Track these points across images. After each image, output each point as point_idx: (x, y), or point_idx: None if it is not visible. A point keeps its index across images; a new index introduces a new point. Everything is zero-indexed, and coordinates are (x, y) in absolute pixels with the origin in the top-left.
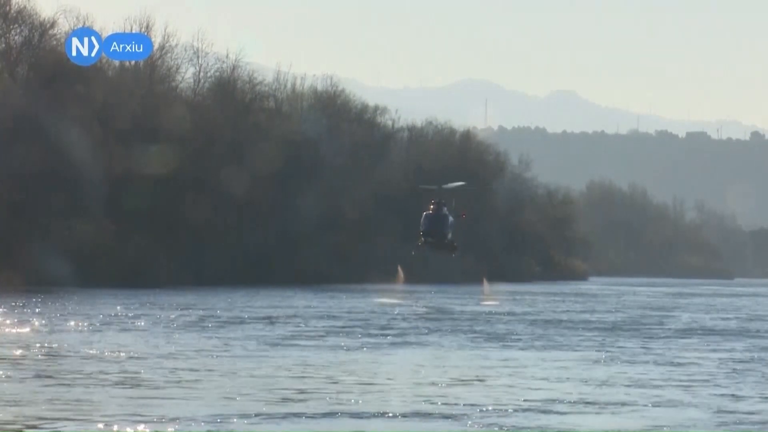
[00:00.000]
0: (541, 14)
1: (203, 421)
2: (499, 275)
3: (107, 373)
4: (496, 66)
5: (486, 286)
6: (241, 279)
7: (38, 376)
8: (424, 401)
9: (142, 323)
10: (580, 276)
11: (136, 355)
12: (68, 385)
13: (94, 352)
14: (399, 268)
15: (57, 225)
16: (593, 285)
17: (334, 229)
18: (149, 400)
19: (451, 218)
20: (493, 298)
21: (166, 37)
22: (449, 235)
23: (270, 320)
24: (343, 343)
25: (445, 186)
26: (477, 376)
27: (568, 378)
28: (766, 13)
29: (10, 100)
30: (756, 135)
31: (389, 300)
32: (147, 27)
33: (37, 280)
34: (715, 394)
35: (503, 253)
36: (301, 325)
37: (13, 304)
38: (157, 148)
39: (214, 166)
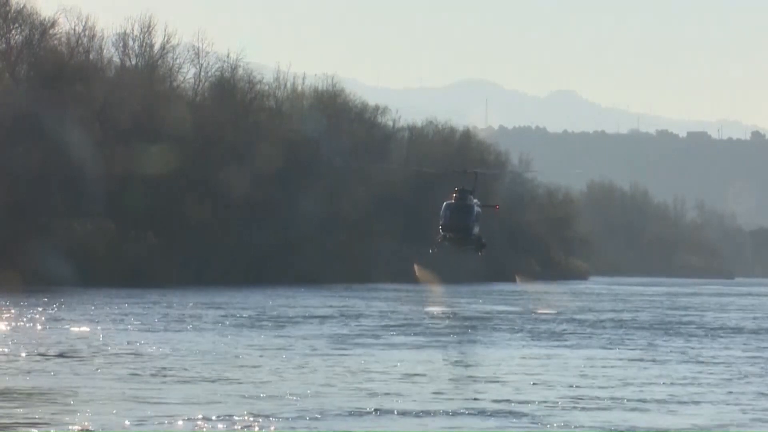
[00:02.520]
0: (541, 14)
1: (292, 418)
2: (499, 275)
3: (189, 370)
4: (496, 66)
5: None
6: (242, 278)
7: (132, 375)
8: (488, 399)
9: (198, 323)
10: (581, 276)
11: (212, 354)
12: (147, 382)
13: (169, 351)
14: (416, 267)
15: (57, 225)
16: (595, 285)
17: (334, 229)
18: (237, 398)
19: (477, 209)
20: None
21: (167, 37)
22: (475, 230)
23: (321, 319)
24: (402, 341)
25: (470, 170)
26: (532, 373)
27: (618, 376)
28: (766, 13)
29: (10, 100)
30: (757, 135)
31: (433, 308)
32: (148, 27)
33: (37, 280)
34: (757, 393)
35: (504, 252)
36: (348, 324)
37: (28, 303)
38: (157, 148)
39: (214, 166)
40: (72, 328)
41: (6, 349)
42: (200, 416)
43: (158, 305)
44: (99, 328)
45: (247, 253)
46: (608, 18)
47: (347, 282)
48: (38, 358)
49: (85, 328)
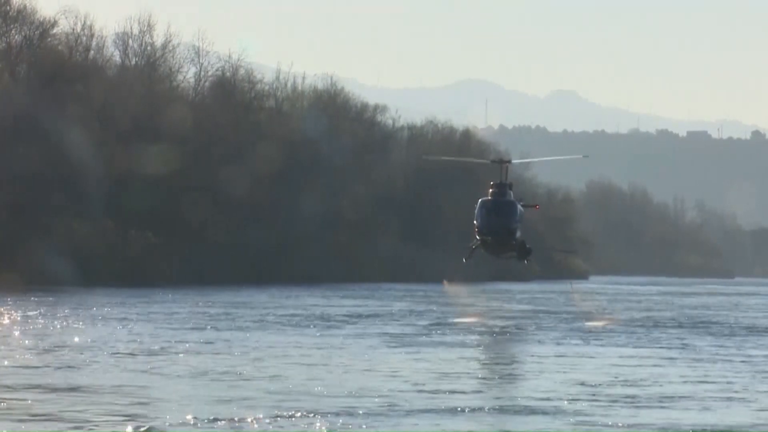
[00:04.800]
0: (542, 15)
1: (368, 415)
2: (499, 275)
3: (255, 368)
4: (496, 66)
5: (575, 291)
6: (242, 278)
7: (200, 373)
8: (534, 397)
9: (241, 322)
10: (581, 275)
11: (271, 352)
12: (219, 380)
13: (226, 349)
14: (445, 283)
15: (58, 225)
16: (596, 284)
17: (335, 228)
18: (316, 396)
19: (520, 207)
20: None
21: (167, 36)
22: (518, 233)
23: (361, 318)
24: (449, 340)
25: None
26: (573, 371)
27: (658, 375)
28: (766, 12)
29: (10, 99)
30: (757, 134)
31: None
32: (148, 26)
33: (37, 280)
34: None
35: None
36: (389, 323)
37: (40, 303)
38: (157, 148)
39: (214, 166)
40: (117, 327)
41: (58, 347)
42: (273, 414)
43: (181, 304)
44: (142, 327)
45: (247, 252)
46: (608, 18)
47: (348, 282)
48: (100, 356)
49: (125, 327)
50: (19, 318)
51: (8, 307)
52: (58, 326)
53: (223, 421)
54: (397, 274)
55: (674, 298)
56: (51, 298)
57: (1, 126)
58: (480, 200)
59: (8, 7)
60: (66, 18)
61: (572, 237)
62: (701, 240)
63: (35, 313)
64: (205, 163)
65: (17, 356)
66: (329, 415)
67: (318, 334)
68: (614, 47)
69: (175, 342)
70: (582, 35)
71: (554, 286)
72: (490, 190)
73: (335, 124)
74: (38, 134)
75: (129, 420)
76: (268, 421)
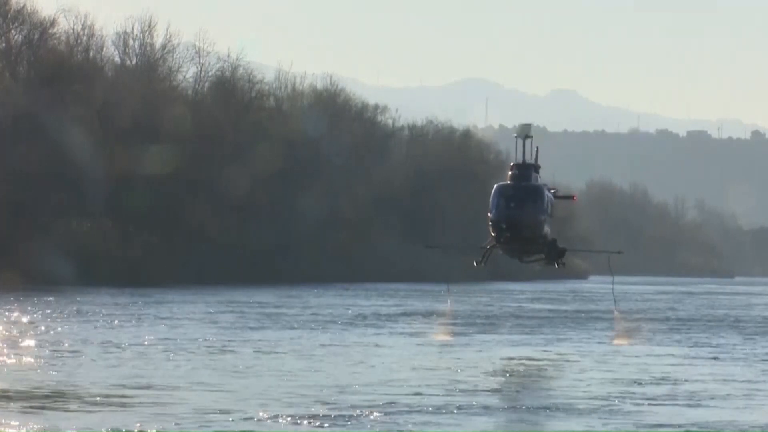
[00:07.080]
0: (542, 14)
1: (428, 412)
2: (497, 274)
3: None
4: (496, 65)
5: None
6: (242, 278)
7: (275, 371)
8: (579, 396)
9: (272, 321)
10: (581, 275)
11: (328, 349)
12: (275, 378)
13: (273, 348)
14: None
15: (58, 224)
16: (594, 284)
17: (334, 229)
18: (372, 396)
19: (548, 194)
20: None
21: (168, 36)
22: (546, 228)
23: (396, 317)
24: (483, 338)
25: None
26: (608, 371)
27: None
28: (766, 12)
29: (10, 99)
30: (757, 134)
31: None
32: (148, 26)
33: (37, 279)
34: None
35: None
36: (420, 321)
37: (50, 303)
38: (157, 148)
39: (214, 166)
40: (162, 327)
41: (115, 346)
42: (333, 414)
43: (198, 305)
44: (189, 326)
45: (247, 252)
46: (608, 18)
47: (348, 281)
48: (165, 354)
49: (171, 328)
50: (38, 318)
51: (23, 307)
52: (96, 326)
53: (259, 419)
54: (396, 274)
55: (682, 298)
56: (53, 298)
57: (1, 126)
58: (495, 186)
59: (8, 7)
60: (65, 17)
61: (572, 237)
62: (701, 240)
63: (60, 312)
64: (205, 163)
65: (76, 353)
66: (378, 414)
67: (374, 333)
68: (614, 47)
69: (232, 341)
70: (582, 35)
71: (557, 285)
72: (510, 173)
73: (335, 124)
74: (38, 134)
75: (219, 414)
76: (326, 417)
